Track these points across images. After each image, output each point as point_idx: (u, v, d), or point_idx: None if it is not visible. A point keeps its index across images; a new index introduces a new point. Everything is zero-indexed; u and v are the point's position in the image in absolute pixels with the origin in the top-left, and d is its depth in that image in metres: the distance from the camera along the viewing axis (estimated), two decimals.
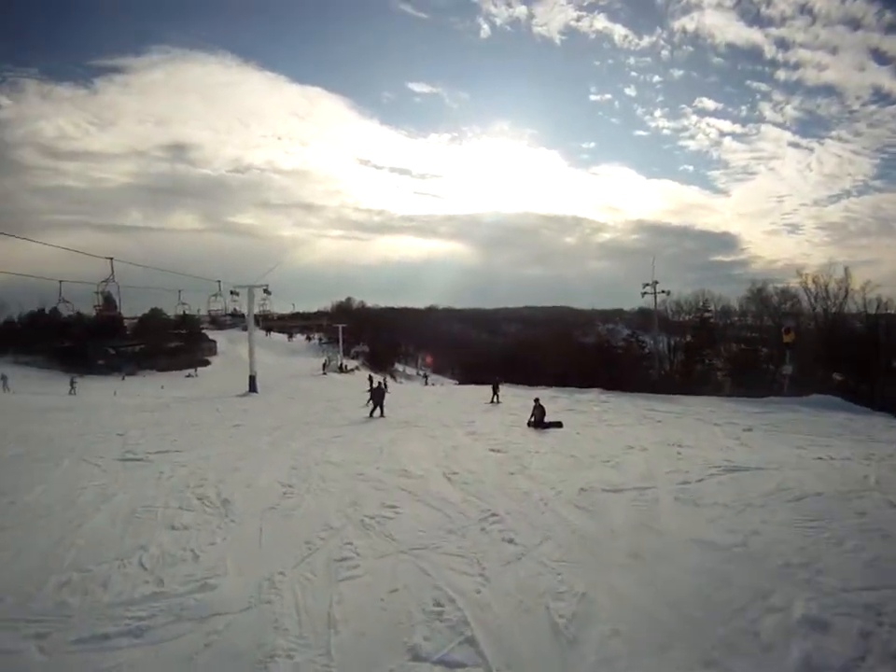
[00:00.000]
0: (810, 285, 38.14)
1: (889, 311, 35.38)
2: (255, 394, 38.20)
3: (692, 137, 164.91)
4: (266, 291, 44.90)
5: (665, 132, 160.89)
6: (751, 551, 8.02)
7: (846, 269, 38.20)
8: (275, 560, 7.91)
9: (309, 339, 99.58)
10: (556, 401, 28.20)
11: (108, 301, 42.21)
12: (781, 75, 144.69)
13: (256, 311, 45.14)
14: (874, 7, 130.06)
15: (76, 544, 8.77)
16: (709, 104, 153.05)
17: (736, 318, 43.01)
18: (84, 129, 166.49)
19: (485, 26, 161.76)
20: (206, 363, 73.32)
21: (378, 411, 24.74)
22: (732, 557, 7.80)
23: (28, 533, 9.36)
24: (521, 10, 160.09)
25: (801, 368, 32.11)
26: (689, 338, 42.37)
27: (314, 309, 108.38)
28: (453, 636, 5.80)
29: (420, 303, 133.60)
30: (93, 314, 46.94)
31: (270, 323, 79.24)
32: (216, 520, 9.87)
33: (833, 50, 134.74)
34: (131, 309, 65.14)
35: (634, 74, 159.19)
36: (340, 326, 77.50)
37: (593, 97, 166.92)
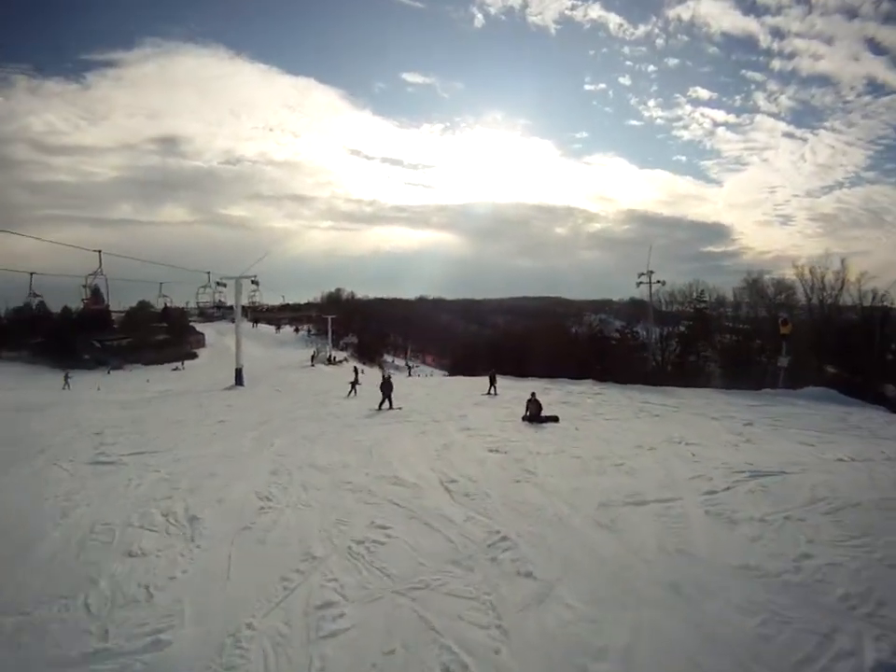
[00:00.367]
0: (806, 275, 36.66)
1: (884, 303, 34.07)
2: (241, 387, 36.27)
3: (685, 127, 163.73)
4: (254, 282, 43.16)
5: (659, 121, 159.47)
6: (804, 578, 6.80)
7: (842, 260, 36.53)
8: (244, 604, 6.38)
9: (297, 330, 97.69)
10: (549, 393, 26.82)
11: (96, 294, 40.42)
12: (776, 64, 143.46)
13: (245, 303, 43.44)
14: None
15: (18, 575, 7.35)
16: (704, 93, 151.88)
17: (730, 309, 41.54)
18: (74, 123, 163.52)
19: (479, 15, 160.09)
20: (194, 356, 71.38)
21: (387, 403, 23.59)
22: (783, 587, 6.57)
23: None
24: (515, 0, 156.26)
25: (795, 360, 30.97)
26: (683, 328, 41.12)
27: (304, 301, 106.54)
28: None
29: (410, 294, 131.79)
30: (81, 307, 44.71)
31: (259, 314, 77.37)
32: (180, 544, 8.29)
33: (829, 40, 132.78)
34: (120, 303, 63.47)
35: (628, 63, 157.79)
36: (329, 317, 75.69)
37: (587, 87, 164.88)
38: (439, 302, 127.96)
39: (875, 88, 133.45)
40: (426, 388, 32.97)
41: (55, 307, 66.18)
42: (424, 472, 12.18)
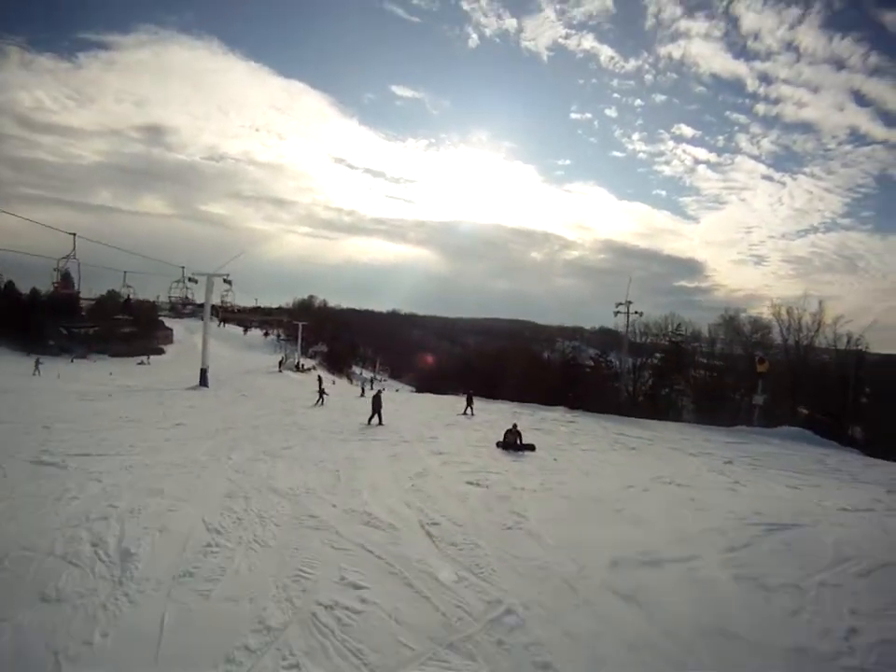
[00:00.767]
0: (783, 316, 35.97)
1: (858, 347, 33.60)
2: (205, 388, 34.06)
3: (667, 163, 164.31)
4: (226, 281, 41.28)
5: (642, 155, 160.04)
6: (862, 662, 5.62)
7: (820, 302, 36.24)
8: None
9: (266, 334, 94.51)
10: (520, 418, 25.33)
11: (66, 278, 38.57)
12: (761, 108, 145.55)
13: (216, 301, 41.49)
14: (861, 48, 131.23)
15: None
16: (687, 131, 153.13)
17: (704, 345, 40.85)
18: (62, 103, 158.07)
19: (474, 35, 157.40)
20: (160, 351, 67.89)
21: (376, 419, 22.24)
22: None
23: None
24: (511, 23, 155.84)
25: (770, 399, 30.76)
26: (656, 360, 40.40)
27: (276, 305, 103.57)
28: None
29: (383, 307, 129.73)
30: (51, 291, 42.50)
31: (228, 315, 74.68)
32: (105, 589, 6.48)
33: (815, 89, 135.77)
34: (91, 290, 60.34)
35: (616, 95, 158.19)
36: (300, 323, 73.19)
37: (573, 115, 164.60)
38: (411, 318, 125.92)
39: (857, 137, 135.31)
40: (394, 404, 31.27)
41: (24, 289, 63.18)
42: (398, 508, 10.45)
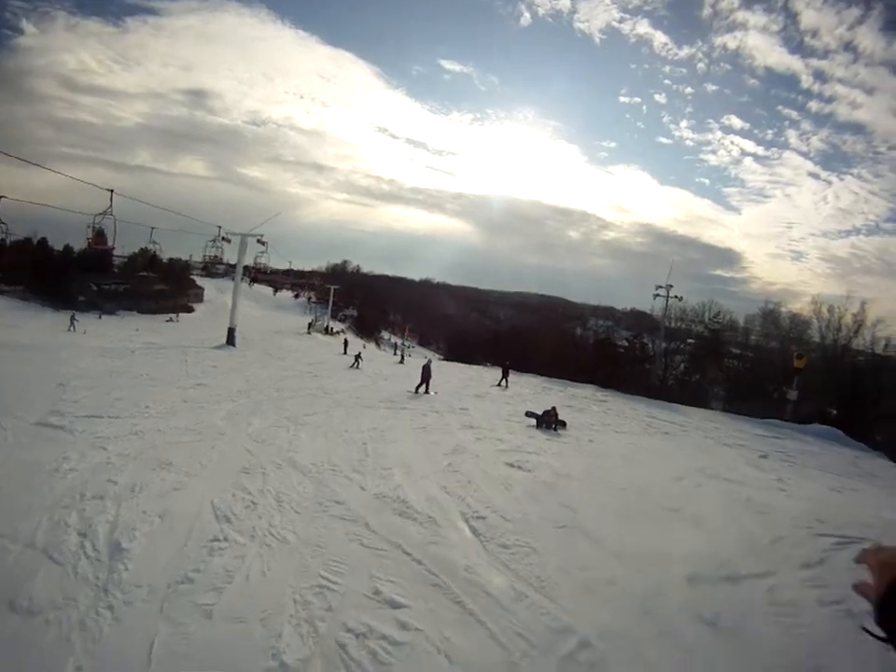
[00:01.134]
0: (824, 313, 34.19)
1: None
2: (232, 348, 32.88)
3: (713, 152, 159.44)
4: (260, 242, 40.19)
5: (688, 143, 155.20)
6: None
7: (863, 303, 34.01)
8: None
9: (297, 296, 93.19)
10: (549, 393, 24.08)
11: (100, 234, 37.18)
12: (813, 105, 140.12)
13: (250, 262, 40.27)
14: None
15: None
16: (737, 122, 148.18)
17: (739, 336, 39.34)
18: (107, 66, 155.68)
19: (527, 14, 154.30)
20: (190, 309, 66.67)
21: (424, 387, 21.78)
22: None
23: None
24: (564, 4, 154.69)
25: (802, 395, 28.87)
26: (689, 346, 38.99)
27: (309, 268, 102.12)
28: None
29: (416, 275, 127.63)
30: (85, 248, 42.24)
31: (260, 276, 73.80)
32: (86, 597, 5.13)
33: (870, 90, 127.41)
34: (123, 248, 59.59)
35: (667, 82, 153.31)
36: (332, 287, 71.83)
37: (622, 98, 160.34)
38: (443, 287, 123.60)
39: None
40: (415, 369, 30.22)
41: (59, 246, 62.41)
42: (436, 494, 9.02)
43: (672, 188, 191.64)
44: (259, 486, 8.46)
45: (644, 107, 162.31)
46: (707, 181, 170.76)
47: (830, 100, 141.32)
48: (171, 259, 67.56)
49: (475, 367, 36.15)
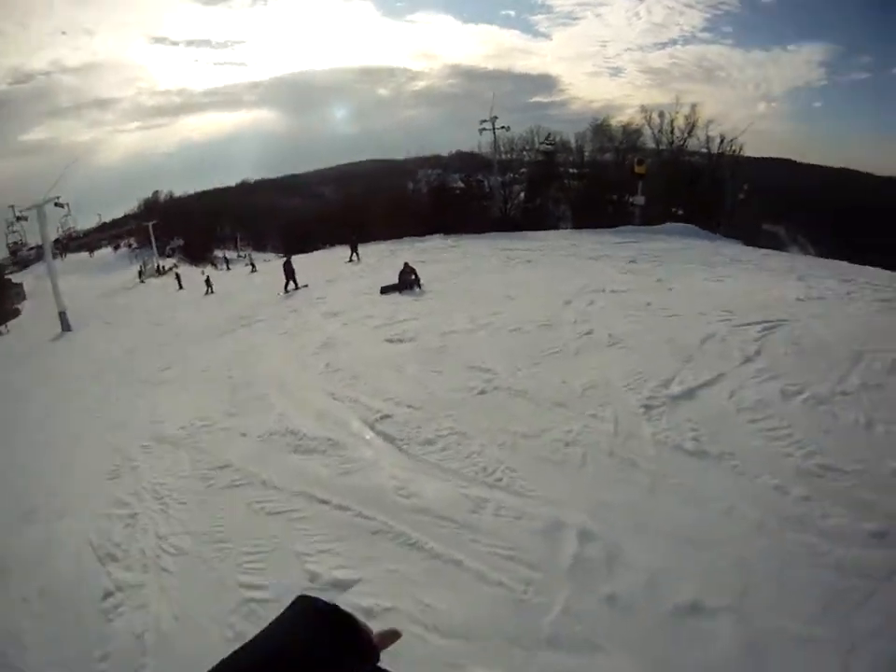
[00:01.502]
0: (655, 120, 34.46)
1: (732, 149, 32.69)
2: (69, 332, 29.38)
3: None
4: (58, 205, 34.88)
5: None
6: None
7: (693, 105, 34.41)
8: None
9: (116, 248, 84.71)
10: (399, 255, 22.92)
11: None
12: None
13: (58, 234, 35.41)
14: None
15: None
16: None
17: (573, 156, 38.42)
18: None
19: None
20: (16, 313, 59.02)
21: (293, 285, 20.55)
22: None
23: None
24: None
25: (646, 201, 29.53)
26: (525, 174, 38.34)
27: (122, 214, 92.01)
28: None
29: (231, 180, 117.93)
30: None
31: (73, 242, 66.25)
32: None
33: None
34: None
35: None
36: (149, 224, 65.59)
37: None
38: (263, 183, 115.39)
39: None
40: (266, 275, 28.43)
41: None
42: (325, 406, 7.62)
43: (477, 24, 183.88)
44: (131, 488, 6.55)
45: None
46: (512, 12, 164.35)
47: None
48: None
49: (317, 253, 34.45)
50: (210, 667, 0.61)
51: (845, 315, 9.42)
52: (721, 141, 32.74)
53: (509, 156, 37.88)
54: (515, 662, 3.25)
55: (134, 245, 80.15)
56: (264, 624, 0.68)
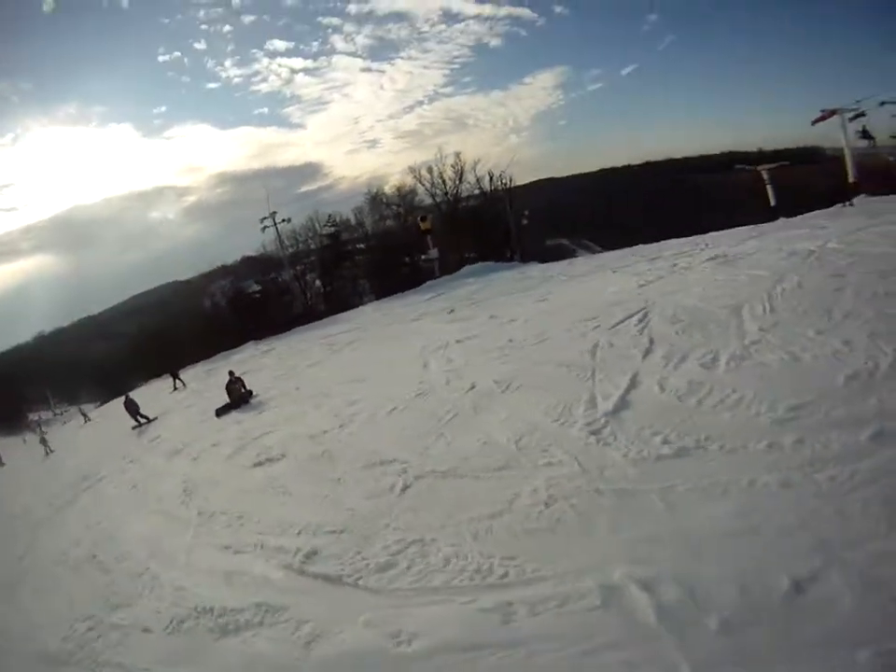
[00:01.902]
0: (425, 175, 35.73)
1: (504, 183, 34.46)
2: None
3: (264, 80, 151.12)
4: None
5: (237, 80, 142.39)
6: None
7: (457, 153, 36.37)
8: None
9: None
10: (219, 372, 20.93)
11: None
12: (352, 8, 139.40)
13: None
14: None
15: None
16: (281, 44, 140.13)
17: (356, 234, 38.69)
18: None
19: None
20: None
21: (144, 419, 17.69)
22: None
23: None
24: None
25: (441, 251, 30.93)
26: (315, 260, 37.65)
27: None
28: None
29: (26, 335, 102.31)
30: None
31: None
32: None
33: None
34: None
35: (203, 27, 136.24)
36: None
37: (161, 58, 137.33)
38: (59, 335, 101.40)
39: (450, 17, 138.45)
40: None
41: None
42: (227, 563, 5.92)
43: (234, 129, 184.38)
44: None
45: (185, 60, 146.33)
46: (265, 110, 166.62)
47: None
48: None
49: (138, 388, 31.00)
50: None
51: (691, 282, 9.94)
52: (491, 178, 34.71)
53: (295, 248, 37.81)
54: None
55: None
56: None
